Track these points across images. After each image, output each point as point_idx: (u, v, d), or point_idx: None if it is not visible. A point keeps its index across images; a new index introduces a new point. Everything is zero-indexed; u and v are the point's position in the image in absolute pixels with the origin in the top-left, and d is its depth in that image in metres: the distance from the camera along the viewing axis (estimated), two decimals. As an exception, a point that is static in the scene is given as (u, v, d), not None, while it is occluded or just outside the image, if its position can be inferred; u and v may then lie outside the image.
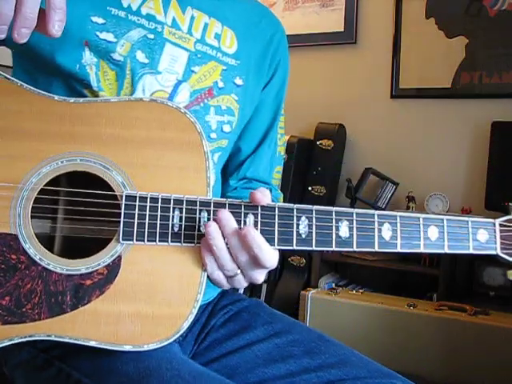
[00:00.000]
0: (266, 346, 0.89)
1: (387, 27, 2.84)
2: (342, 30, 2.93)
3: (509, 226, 0.80)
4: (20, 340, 0.69)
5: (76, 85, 0.82)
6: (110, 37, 0.82)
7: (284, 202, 0.96)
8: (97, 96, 0.82)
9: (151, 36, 0.84)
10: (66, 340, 0.70)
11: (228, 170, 1.02)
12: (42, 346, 0.80)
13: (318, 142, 2.83)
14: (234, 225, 0.72)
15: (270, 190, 1.02)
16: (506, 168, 2.48)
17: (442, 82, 2.72)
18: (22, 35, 0.63)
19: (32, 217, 0.72)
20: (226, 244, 0.72)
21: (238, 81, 0.93)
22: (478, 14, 2.64)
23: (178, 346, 0.86)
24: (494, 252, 0.79)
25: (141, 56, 0.84)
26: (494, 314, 2.19)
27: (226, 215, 0.72)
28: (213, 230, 0.71)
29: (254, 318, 0.94)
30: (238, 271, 0.73)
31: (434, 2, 2.73)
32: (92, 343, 0.70)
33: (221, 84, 0.90)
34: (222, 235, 0.72)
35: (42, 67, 0.83)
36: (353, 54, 2.94)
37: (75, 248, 0.75)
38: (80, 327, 0.70)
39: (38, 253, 0.71)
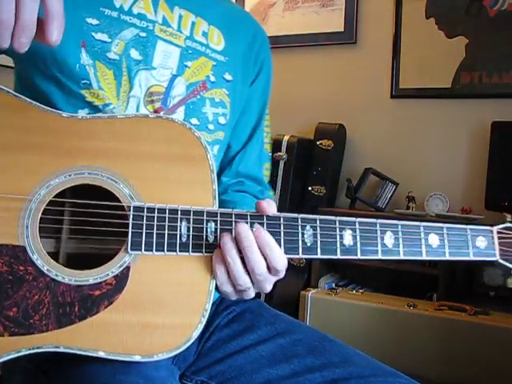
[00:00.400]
0: (270, 347, 0.89)
1: (387, 27, 2.85)
2: (342, 30, 2.94)
3: (506, 233, 0.81)
4: (28, 352, 0.69)
5: (76, 87, 0.84)
6: (104, 37, 0.84)
7: (284, 202, 0.97)
8: (97, 96, 0.84)
9: (143, 34, 0.87)
10: (75, 351, 0.69)
11: (220, 167, 1.03)
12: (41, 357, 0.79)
13: (318, 142, 2.83)
14: (252, 237, 0.72)
15: (262, 192, 1.04)
16: (506, 168, 2.49)
17: (442, 81, 2.72)
18: (22, 45, 0.64)
19: (40, 229, 0.72)
20: (241, 258, 0.72)
21: (228, 76, 0.96)
22: (478, 14, 2.64)
23: (169, 367, 0.84)
24: (494, 258, 0.81)
25: (135, 54, 0.86)
26: (494, 314, 2.20)
27: (244, 228, 0.72)
28: (229, 246, 0.72)
29: (258, 318, 0.94)
30: (250, 285, 0.73)
31: (434, 2, 2.73)
32: (101, 354, 0.70)
33: (213, 78, 0.94)
34: (238, 249, 0.72)
35: (43, 69, 0.84)
36: (353, 54, 2.94)
37: (83, 260, 0.75)
38: (89, 338, 0.70)
39: (45, 264, 0.71)
